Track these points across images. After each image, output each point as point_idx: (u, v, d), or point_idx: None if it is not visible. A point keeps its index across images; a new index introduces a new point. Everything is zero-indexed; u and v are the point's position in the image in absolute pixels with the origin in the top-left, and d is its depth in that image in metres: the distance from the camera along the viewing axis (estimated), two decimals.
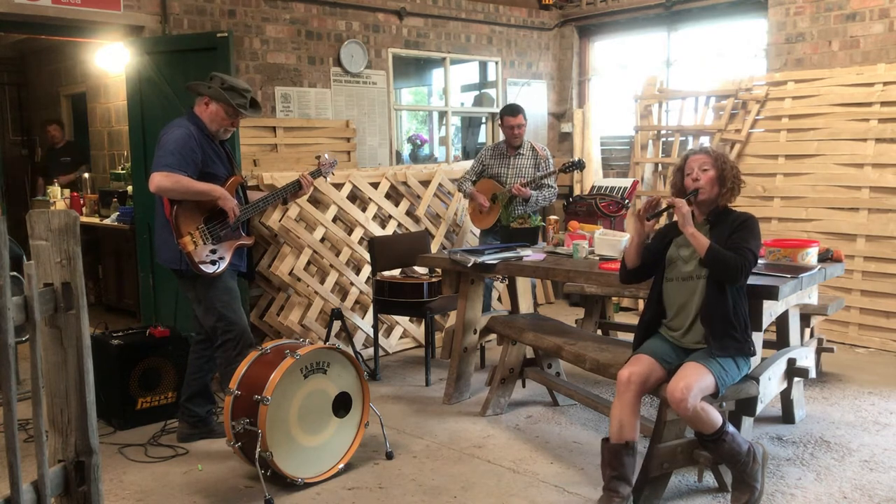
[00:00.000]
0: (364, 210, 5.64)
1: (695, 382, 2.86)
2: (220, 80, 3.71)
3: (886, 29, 5.82)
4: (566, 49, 7.99)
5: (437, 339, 5.53)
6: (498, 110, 7.49)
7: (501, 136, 5.71)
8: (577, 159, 5.48)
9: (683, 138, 6.76)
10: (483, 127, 8.12)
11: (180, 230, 3.56)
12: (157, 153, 3.58)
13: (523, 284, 4.68)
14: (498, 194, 5.47)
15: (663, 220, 4.14)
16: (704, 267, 3.03)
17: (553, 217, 4.91)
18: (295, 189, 3.94)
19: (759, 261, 3.56)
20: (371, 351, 5.30)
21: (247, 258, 3.96)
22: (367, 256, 5.45)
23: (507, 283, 5.01)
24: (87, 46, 7.64)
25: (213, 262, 3.64)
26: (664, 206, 3.14)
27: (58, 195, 7.57)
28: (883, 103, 5.58)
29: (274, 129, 6.02)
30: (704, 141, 6.61)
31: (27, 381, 4.57)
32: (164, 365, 4.26)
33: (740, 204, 6.16)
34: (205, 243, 3.62)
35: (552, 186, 5.50)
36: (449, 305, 4.99)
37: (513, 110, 5.53)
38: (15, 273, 3.69)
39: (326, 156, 4.06)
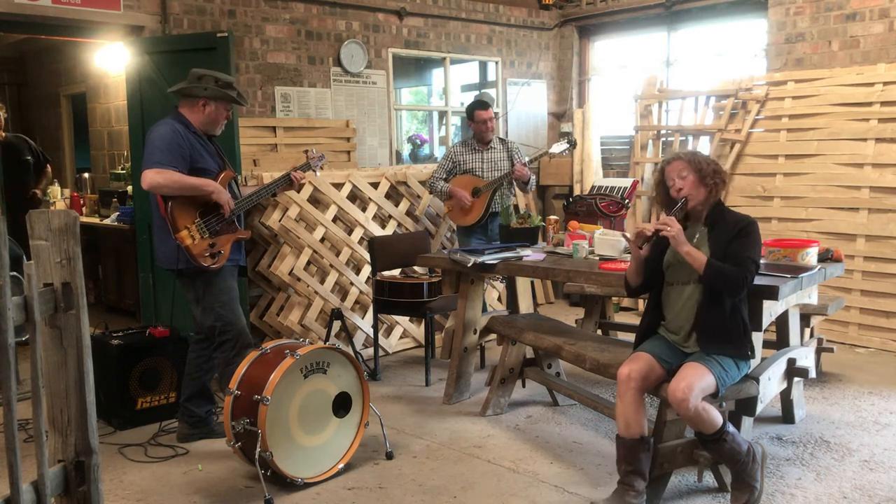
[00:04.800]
0: (364, 210, 5.64)
1: (696, 382, 2.86)
2: (213, 77, 3.74)
3: (886, 29, 5.82)
4: (566, 49, 7.98)
5: (437, 339, 5.53)
6: (499, 110, 7.50)
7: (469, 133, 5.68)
8: (569, 136, 5.45)
9: (683, 138, 6.75)
10: None
11: (177, 225, 3.59)
12: (146, 152, 3.62)
13: (523, 284, 4.67)
14: (481, 188, 5.45)
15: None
16: (704, 284, 3.01)
17: (553, 217, 4.91)
18: (285, 183, 4.01)
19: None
20: (371, 351, 5.29)
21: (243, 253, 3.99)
22: (367, 256, 5.45)
23: (506, 283, 5.00)
24: (87, 46, 7.63)
25: (212, 256, 3.67)
26: (652, 233, 3.02)
27: (58, 195, 7.57)
28: (883, 103, 5.58)
29: (274, 128, 6.02)
30: (704, 141, 6.61)
31: (27, 381, 4.57)
32: (163, 365, 4.26)
33: (740, 204, 6.18)
34: (202, 237, 3.65)
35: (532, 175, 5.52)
36: (449, 305, 4.99)
37: (484, 104, 5.54)
38: (15, 273, 3.69)
39: (314, 150, 4.16)
